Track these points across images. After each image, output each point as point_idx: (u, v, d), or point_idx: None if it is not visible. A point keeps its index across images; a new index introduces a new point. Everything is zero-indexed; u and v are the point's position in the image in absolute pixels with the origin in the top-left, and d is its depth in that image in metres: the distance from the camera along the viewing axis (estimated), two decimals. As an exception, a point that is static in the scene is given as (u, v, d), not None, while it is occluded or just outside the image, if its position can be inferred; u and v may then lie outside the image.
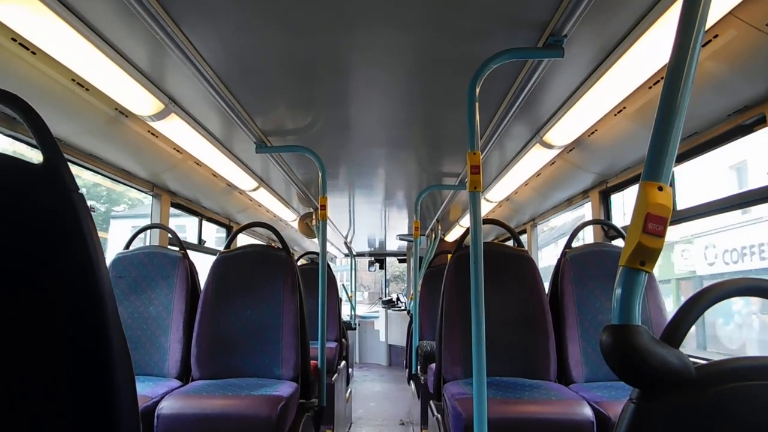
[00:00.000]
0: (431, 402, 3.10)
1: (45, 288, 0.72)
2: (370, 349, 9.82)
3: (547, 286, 2.91)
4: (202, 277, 2.97)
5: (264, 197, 4.97)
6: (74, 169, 2.91)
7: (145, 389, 2.42)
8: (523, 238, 5.40)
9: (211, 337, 2.74)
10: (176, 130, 2.90)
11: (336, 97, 2.74)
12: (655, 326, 2.62)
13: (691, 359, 0.80)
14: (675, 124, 0.86)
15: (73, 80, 2.19)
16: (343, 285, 8.26)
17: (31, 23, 1.77)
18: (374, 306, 11.36)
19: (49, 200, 0.74)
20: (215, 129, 3.17)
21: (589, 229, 3.67)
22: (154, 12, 1.77)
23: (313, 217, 5.97)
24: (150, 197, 3.76)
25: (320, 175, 3.25)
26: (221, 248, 3.14)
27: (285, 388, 2.46)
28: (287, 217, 6.12)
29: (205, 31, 2.02)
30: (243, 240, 6.64)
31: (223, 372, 2.68)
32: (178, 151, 3.24)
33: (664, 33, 1.81)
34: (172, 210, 4.04)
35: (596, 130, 2.81)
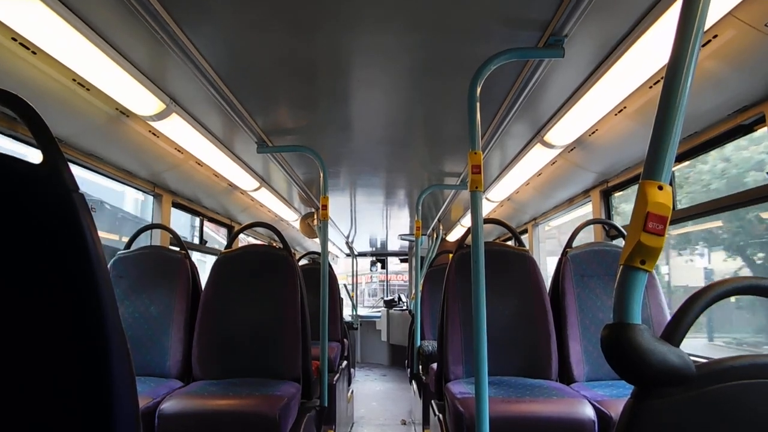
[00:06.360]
0: (433, 401, 3.10)
1: (44, 287, 0.72)
2: (371, 349, 9.82)
3: (548, 285, 2.91)
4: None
5: (265, 197, 4.98)
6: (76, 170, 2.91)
7: (146, 389, 2.42)
8: (525, 238, 5.40)
9: (213, 337, 2.74)
10: (177, 130, 2.90)
11: (337, 97, 2.74)
12: (656, 325, 2.62)
13: (692, 358, 0.80)
14: (674, 123, 0.86)
15: (74, 80, 2.19)
16: (344, 285, 8.26)
17: (32, 23, 1.77)
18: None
19: (49, 200, 0.74)
20: (216, 129, 3.17)
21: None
22: (155, 12, 1.78)
23: (315, 216, 5.97)
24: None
25: (321, 174, 3.25)
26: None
27: (286, 388, 2.47)
28: (289, 216, 6.12)
29: (206, 31, 2.02)
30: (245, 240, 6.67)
31: (224, 372, 2.68)
32: (179, 151, 3.24)
33: (665, 33, 1.81)
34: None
35: (597, 130, 2.81)
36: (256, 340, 2.75)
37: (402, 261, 11.60)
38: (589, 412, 2.14)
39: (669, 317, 0.84)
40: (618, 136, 2.78)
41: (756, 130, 2.23)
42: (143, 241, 3.61)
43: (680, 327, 0.79)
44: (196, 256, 4.25)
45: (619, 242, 3.24)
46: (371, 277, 16.29)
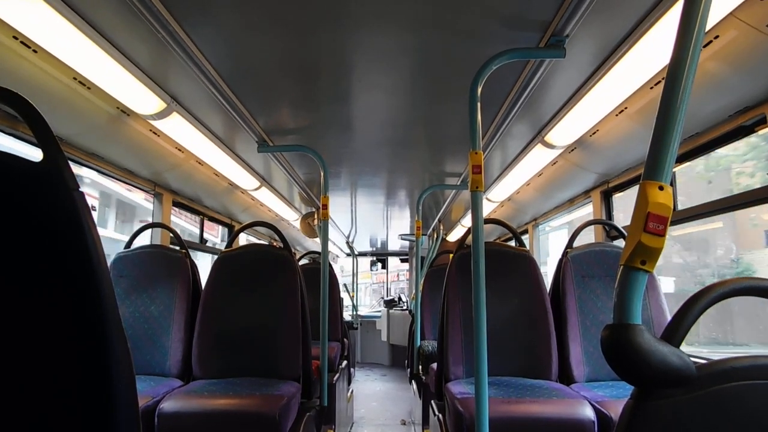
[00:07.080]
0: (433, 401, 3.10)
1: (44, 286, 0.72)
2: (372, 349, 9.82)
3: (548, 285, 2.91)
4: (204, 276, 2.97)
5: (266, 197, 4.98)
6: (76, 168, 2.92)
7: (146, 388, 2.42)
8: (525, 238, 5.39)
9: (213, 336, 2.74)
10: (178, 129, 2.90)
11: (338, 97, 2.74)
12: (656, 326, 2.62)
13: (692, 359, 0.80)
14: (675, 123, 0.86)
15: (75, 79, 2.19)
16: (344, 284, 8.25)
17: (33, 22, 1.77)
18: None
19: (49, 198, 0.74)
20: (217, 128, 3.17)
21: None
22: (157, 11, 1.78)
23: (315, 216, 5.97)
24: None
25: (322, 174, 3.25)
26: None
27: (286, 388, 2.46)
28: (289, 216, 6.12)
29: (208, 30, 2.02)
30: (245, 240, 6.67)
31: (224, 371, 2.68)
32: (179, 150, 3.24)
33: (666, 33, 1.81)
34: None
35: (598, 130, 2.81)
36: (256, 340, 2.75)
37: (402, 261, 11.60)
38: (589, 412, 2.14)
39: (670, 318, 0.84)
40: (619, 137, 2.78)
41: (757, 131, 2.23)
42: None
43: (680, 328, 0.79)
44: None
45: (620, 243, 3.23)
46: (398, 274, 14.20)
